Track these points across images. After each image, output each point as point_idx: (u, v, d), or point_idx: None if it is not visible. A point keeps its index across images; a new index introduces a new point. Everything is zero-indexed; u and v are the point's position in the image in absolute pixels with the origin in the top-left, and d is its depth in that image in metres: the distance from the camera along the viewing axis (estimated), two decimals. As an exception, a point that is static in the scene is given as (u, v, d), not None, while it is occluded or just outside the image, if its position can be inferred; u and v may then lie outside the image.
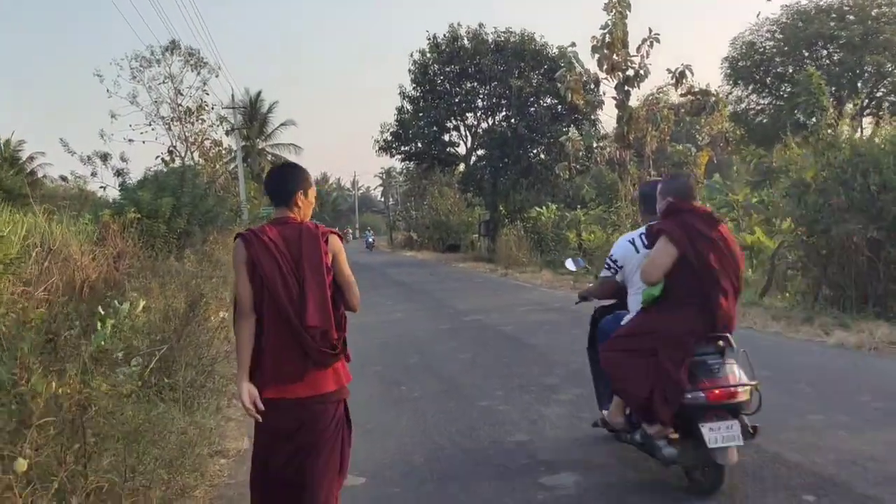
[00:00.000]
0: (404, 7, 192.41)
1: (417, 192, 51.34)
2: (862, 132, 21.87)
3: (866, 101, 35.82)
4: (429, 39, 31.72)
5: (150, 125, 32.78)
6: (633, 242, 4.74)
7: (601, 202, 23.50)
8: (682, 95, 19.62)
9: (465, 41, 31.29)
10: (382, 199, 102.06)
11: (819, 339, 9.19)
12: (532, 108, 30.36)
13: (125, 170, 32.54)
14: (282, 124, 60.75)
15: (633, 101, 19.94)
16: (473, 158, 32.63)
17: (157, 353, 7.40)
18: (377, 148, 33.49)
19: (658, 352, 4.18)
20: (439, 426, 6.04)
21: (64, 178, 51.73)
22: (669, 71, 19.14)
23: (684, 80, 19.15)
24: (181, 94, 33.95)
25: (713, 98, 19.07)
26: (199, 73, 34.11)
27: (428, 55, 31.72)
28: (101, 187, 32.67)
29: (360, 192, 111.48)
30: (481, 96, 31.86)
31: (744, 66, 38.12)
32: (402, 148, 33.24)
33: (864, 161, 11.29)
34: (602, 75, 19.92)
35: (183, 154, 35.13)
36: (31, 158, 53.86)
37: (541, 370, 7.97)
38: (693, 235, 4.23)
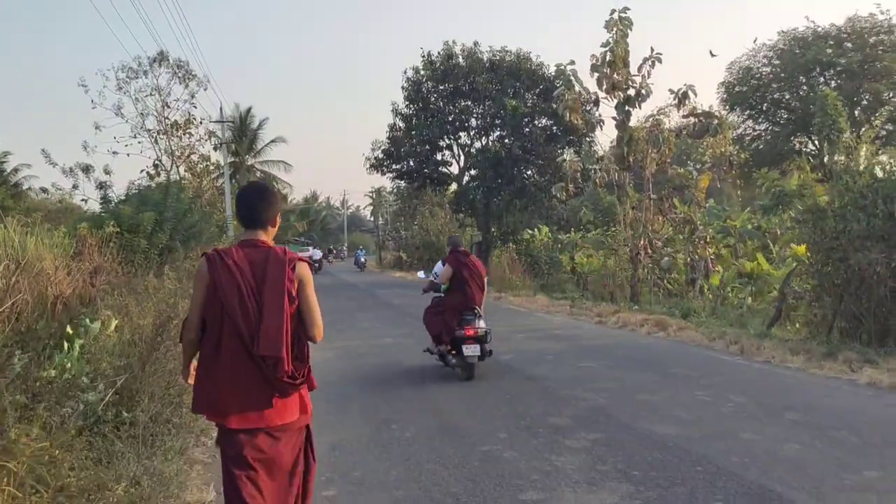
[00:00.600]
0: (399, 24, 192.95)
1: (408, 211, 50.58)
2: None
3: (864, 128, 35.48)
4: (423, 56, 31.14)
5: (136, 137, 32.08)
6: (442, 264, 9.60)
7: (598, 225, 22.81)
8: (684, 117, 19.06)
9: (460, 59, 30.72)
10: (372, 219, 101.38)
11: (847, 376, 8.44)
12: (527, 129, 29.74)
13: (108, 182, 31.79)
14: (272, 141, 60.15)
15: (633, 122, 19.34)
16: (466, 178, 31.93)
17: (117, 383, 6.62)
18: (368, 166, 32.80)
19: (445, 313, 9.13)
20: (436, 477, 5.22)
21: (44, 190, 50.66)
22: (672, 91, 18.58)
23: (687, 101, 18.57)
24: (168, 107, 33.25)
25: (716, 120, 18.49)
26: (186, 86, 33.43)
27: (422, 72, 31.11)
28: (83, 200, 31.83)
29: (350, 210, 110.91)
30: (475, 115, 31.23)
31: (740, 91, 37.82)
32: (394, 166, 32.50)
33: (886, 186, 10.65)
34: (602, 95, 19.32)
35: (168, 168, 34.37)
36: (15, 170, 52.99)
37: (548, 408, 7.17)
38: (459, 262, 9.18)
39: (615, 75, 18.86)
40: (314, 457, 3.52)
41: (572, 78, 19.47)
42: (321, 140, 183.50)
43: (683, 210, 19.59)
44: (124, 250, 19.16)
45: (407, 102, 31.65)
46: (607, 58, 18.76)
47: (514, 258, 29.78)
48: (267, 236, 3.35)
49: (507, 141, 29.65)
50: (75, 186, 32.93)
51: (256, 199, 3.38)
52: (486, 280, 9.50)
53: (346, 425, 6.84)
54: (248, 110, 59.02)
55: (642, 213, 19.05)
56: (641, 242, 18.18)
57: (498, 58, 30.70)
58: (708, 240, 18.64)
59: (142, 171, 29.51)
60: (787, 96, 37.26)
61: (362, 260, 53.24)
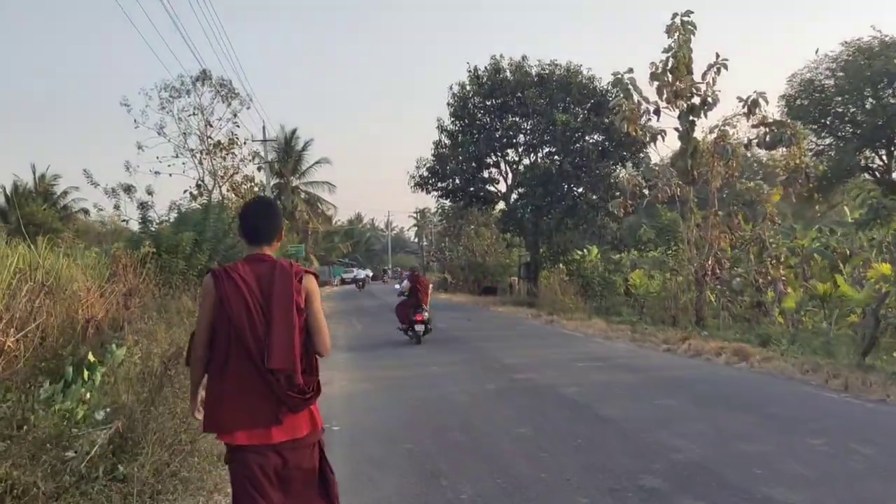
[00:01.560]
0: (444, 42, 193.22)
1: (453, 232, 49.52)
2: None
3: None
4: (469, 71, 30.19)
5: (178, 157, 31.70)
6: (407, 280, 16.75)
7: (658, 244, 21.35)
8: (753, 126, 17.60)
9: (508, 73, 29.68)
10: (416, 240, 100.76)
11: None
12: (577, 144, 28.51)
13: (149, 203, 31.46)
14: (316, 162, 59.95)
15: (697, 133, 17.95)
16: (514, 196, 30.74)
17: (112, 428, 5.57)
18: (412, 184, 31.84)
19: (406, 307, 16.00)
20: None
21: (86, 212, 50.86)
22: (740, 99, 17.18)
23: (757, 110, 17.14)
24: (211, 126, 32.85)
25: (790, 130, 17.01)
26: (229, 105, 33.06)
27: (468, 87, 30.13)
28: (124, 221, 31.42)
29: (394, 232, 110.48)
30: (523, 131, 30.10)
31: (801, 104, 35.94)
32: (439, 184, 31.49)
33: None
34: (662, 104, 17.99)
35: (211, 188, 33.91)
36: (65, 193, 53.52)
37: (632, 461, 5.88)
38: (415, 279, 16.31)
39: (678, 83, 17.55)
40: (332, 469, 3.41)
41: (630, 87, 18.19)
42: (365, 160, 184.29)
43: (748, 227, 18.07)
44: (162, 271, 18.44)
45: (453, 119, 30.70)
46: (669, 64, 17.47)
47: (565, 279, 28.45)
48: (272, 251, 3.32)
49: (556, 157, 28.44)
50: (116, 207, 32.74)
51: (261, 215, 3.36)
52: (430, 289, 16.85)
53: (389, 478, 5.66)
54: (293, 132, 58.92)
55: (707, 231, 17.60)
56: (709, 262, 16.72)
57: (547, 71, 29.60)
58: (782, 259, 17.10)
59: (185, 191, 28.90)
60: (853, 109, 35.28)
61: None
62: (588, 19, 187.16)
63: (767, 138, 17.07)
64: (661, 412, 7.77)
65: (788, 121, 17.37)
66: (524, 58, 30.01)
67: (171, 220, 22.73)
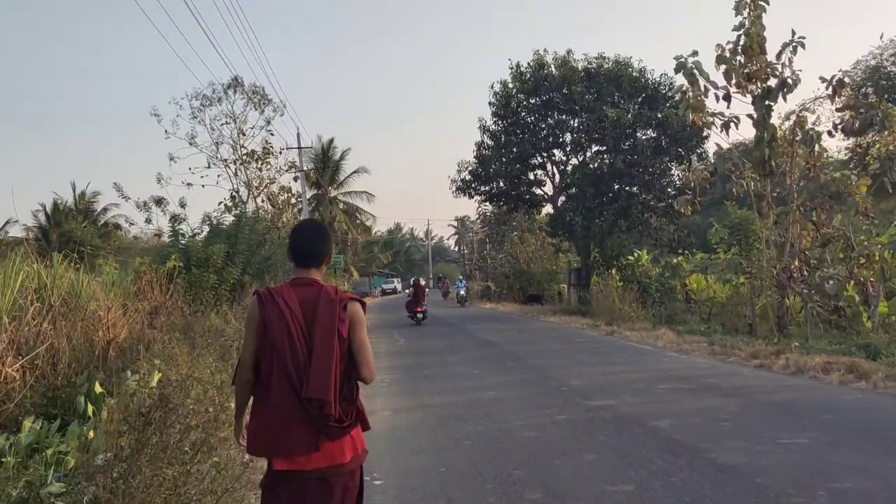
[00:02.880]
0: (484, 42, 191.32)
1: (496, 238, 47.83)
2: None
3: None
4: (511, 68, 28.53)
5: (210, 167, 30.60)
6: (411, 286, 30.04)
7: (731, 244, 19.36)
8: (837, 110, 15.64)
9: (553, 68, 27.95)
10: (456, 248, 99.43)
11: None
12: (629, 141, 26.63)
13: (182, 216, 30.38)
14: (354, 172, 58.92)
15: (773, 119, 16.03)
16: (562, 199, 28.93)
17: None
18: (454, 188, 30.23)
19: (412, 303, 26.70)
20: None
21: (118, 227, 50.40)
22: (823, 79, 15.24)
23: (842, 91, 15.20)
24: (244, 135, 31.71)
25: (881, 112, 15.01)
26: (262, 112, 31.88)
27: (511, 85, 28.47)
28: (157, 235, 30.44)
29: (434, 241, 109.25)
30: (570, 129, 28.31)
31: (866, 93, 33.58)
32: (482, 188, 29.82)
33: None
34: (732, 89, 16.12)
35: (246, 199, 32.76)
36: (105, 210, 53.22)
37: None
38: (417, 286, 27.33)
39: (750, 64, 15.69)
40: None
41: (696, 71, 16.34)
42: (404, 169, 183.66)
43: (835, 223, 16.05)
44: (192, 287, 17.20)
45: (495, 118, 29.06)
46: (741, 43, 15.62)
47: (619, 286, 26.57)
48: (320, 274, 3.26)
49: (606, 156, 26.61)
50: (148, 220, 31.87)
51: (313, 237, 3.31)
52: (426, 292, 27.26)
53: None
54: (331, 141, 57.97)
55: (788, 228, 15.66)
56: (795, 263, 14.78)
57: (594, 65, 27.79)
58: (876, 258, 15.08)
59: (219, 203, 27.65)
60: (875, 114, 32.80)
61: (462, 293, 43.20)
62: (634, 8, 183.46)
63: (856, 123, 15.09)
64: (794, 455, 6.01)
65: (880, 101, 15.40)
66: (569, 52, 28.30)
67: (203, 233, 21.60)
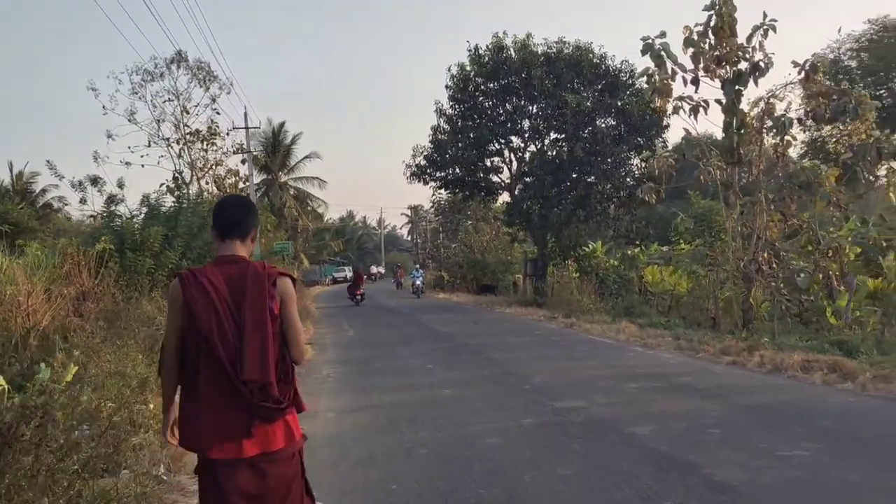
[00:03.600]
0: (441, 28, 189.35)
1: (450, 227, 46.94)
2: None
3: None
4: (469, 51, 27.53)
5: (150, 146, 28.96)
6: (353, 273, 41.93)
7: (695, 235, 18.74)
8: (809, 97, 15.07)
9: (512, 52, 27.05)
10: (409, 238, 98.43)
11: None
12: (587, 129, 25.88)
13: (120, 196, 28.70)
14: (306, 157, 57.42)
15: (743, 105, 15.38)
16: (519, 186, 28.10)
17: None
18: (409, 174, 29.15)
19: (352, 287, 33.34)
20: None
21: (50, 207, 48.17)
22: (796, 64, 14.66)
23: (816, 77, 14.64)
24: (188, 113, 30.12)
25: (854, 99, 14.49)
26: (207, 89, 30.32)
27: (469, 68, 27.50)
28: (92, 216, 28.73)
29: (387, 230, 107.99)
30: (529, 115, 27.46)
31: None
32: (438, 174, 28.82)
33: None
34: (700, 73, 15.44)
35: (189, 181, 31.20)
36: (43, 191, 50.80)
37: None
38: (357, 274, 35.21)
39: (720, 46, 15.01)
40: (309, 493, 3.19)
41: (664, 53, 15.61)
42: (356, 156, 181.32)
43: (806, 214, 15.52)
44: (127, 272, 15.96)
45: (452, 103, 28.07)
46: (711, 24, 14.93)
47: (575, 277, 25.96)
48: (245, 250, 3.08)
49: (563, 145, 25.86)
50: (83, 201, 30.08)
51: (239, 207, 3.16)
52: (364, 279, 34.82)
53: None
54: (282, 125, 56.30)
55: (755, 218, 15.08)
56: (765, 255, 14.19)
57: (554, 50, 26.97)
58: (846, 250, 14.59)
59: (161, 184, 26.19)
60: (881, 91, 32.88)
61: (419, 283, 38.74)
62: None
63: (827, 111, 14.54)
64: (802, 472, 5.21)
65: (853, 88, 14.89)
66: (529, 35, 27.40)
67: (142, 215, 20.24)
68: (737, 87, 14.94)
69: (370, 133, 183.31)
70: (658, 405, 7.77)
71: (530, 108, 27.35)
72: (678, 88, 15.88)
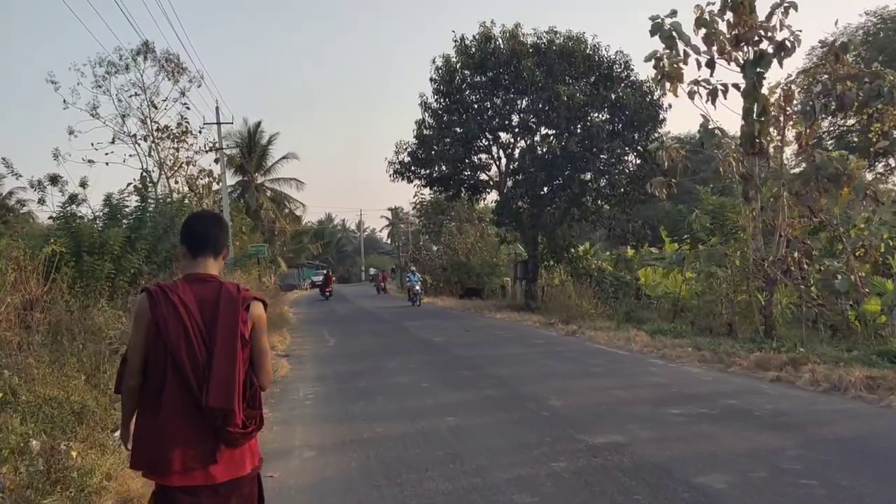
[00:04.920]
0: (422, 22, 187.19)
1: (432, 229, 45.34)
2: None
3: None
4: (455, 41, 26.01)
5: (115, 142, 27.09)
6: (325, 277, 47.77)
7: (713, 233, 17.25)
8: (836, 80, 13.71)
9: (500, 42, 25.57)
10: (388, 241, 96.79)
11: None
12: (579, 124, 24.37)
13: (81, 196, 26.85)
14: (283, 157, 55.63)
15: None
16: (509, 184, 26.55)
17: None
18: (391, 171, 27.52)
19: (323, 287, 44.56)
20: None
21: (12, 211, 45.99)
22: (824, 43, 13.31)
23: (844, 58, 13.28)
24: (155, 108, 28.26)
25: (887, 82, 13.15)
26: (176, 82, 28.50)
27: (455, 59, 25.97)
28: (51, 218, 26.78)
29: (366, 233, 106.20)
30: (518, 110, 25.96)
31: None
32: (422, 171, 27.21)
33: None
34: (716, 55, 14.03)
35: (157, 180, 29.34)
36: (10, 193, 48.63)
37: None
38: (327, 277, 46.12)
39: (740, 26, 13.61)
40: None
41: (674, 33, 14.17)
42: (334, 158, 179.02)
43: (834, 209, 14.14)
44: (84, 277, 14.28)
45: (437, 96, 26.50)
46: (729, 2, 13.52)
47: (568, 280, 24.55)
48: (217, 268, 2.97)
49: (559, 139, 24.33)
50: (41, 201, 28.26)
51: (213, 224, 3.02)
52: (333, 279, 48.20)
53: None
54: (258, 125, 54.41)
55: (778, 214, 13.68)
56: (794, 255, 12.77)
57: (545, 40, 25.53)
58: (881, 250, 13.22)
59: (129, 184, 24.33)
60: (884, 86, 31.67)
61: (417, 288, 32.35)
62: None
63: (859, 94, 13.18)
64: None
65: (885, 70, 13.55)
66: (518, 25, 25.95)
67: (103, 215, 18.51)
68: (758, 69, 13.53)
69: (349, 134, 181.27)
70: (718, 441, 6.25)
71: (520, 101, 25.86)
72: (689, 73, 14.51)
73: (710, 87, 13.77)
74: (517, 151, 26.68)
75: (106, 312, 11.92)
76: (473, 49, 25.79)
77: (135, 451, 2.84)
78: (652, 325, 16.70)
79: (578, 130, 24.44)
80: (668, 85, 14.73)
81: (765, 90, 14.00)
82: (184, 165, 30.76)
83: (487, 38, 25.65)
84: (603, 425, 7.01)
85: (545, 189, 24.74)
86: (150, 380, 2.80)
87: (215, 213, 3.58)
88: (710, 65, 14.16)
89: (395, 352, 14.36)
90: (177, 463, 2.71)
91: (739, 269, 14.52)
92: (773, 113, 14.04)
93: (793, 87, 14.65)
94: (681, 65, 14.47)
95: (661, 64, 14.66)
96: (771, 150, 14.39)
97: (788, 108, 14.15)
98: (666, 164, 15.02)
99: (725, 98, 13.64)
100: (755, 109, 13.56)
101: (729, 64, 14.29)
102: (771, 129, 14.04)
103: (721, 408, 7.65)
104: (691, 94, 13.94)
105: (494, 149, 27.44)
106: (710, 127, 13.65)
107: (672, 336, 14.53)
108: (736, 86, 14.00)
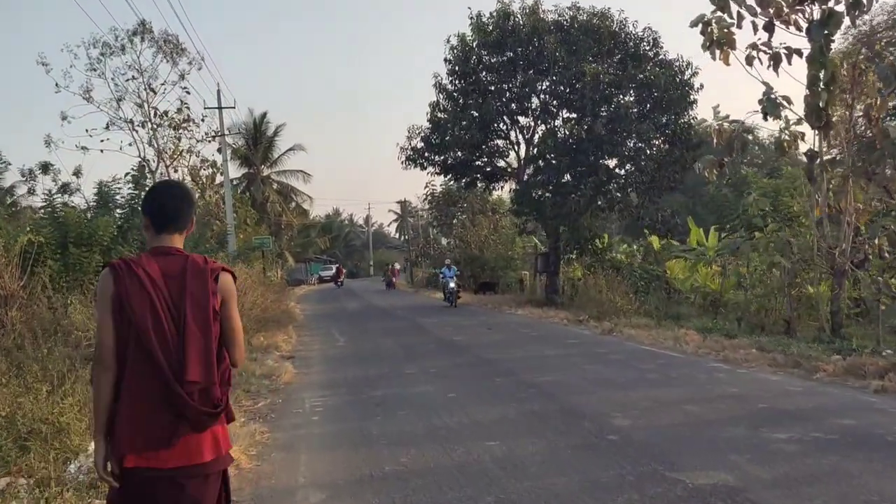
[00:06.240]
0: (430, 16, 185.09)
1: (444, 221, 43.71)
2: None
3: None
4: (472, 18, 24.35)
5: (109, 128, 25.50)
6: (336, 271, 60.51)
7: (772, 219, 15.55)
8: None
9: (520, 18, 23.90)
10: (397, 235, 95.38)
11: None
12: (606, 105, 22.66)
13: (75, 185, 25.40)
14: (289, 149, 54.10)
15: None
16: (529, 171, 24.86)
17: None
18: (403, 158, 25.84)
19: (335, 279, 57.26)
20: None
21: (15, 205, 44.73)
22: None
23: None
24: (154, 93, 26.67)
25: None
26: (176, 64, 26.90)
27: (470, 37, 24.32)
28: (42, 208, 25.26)
29: (374, 227, 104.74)
30: (539, 91, 24.26)
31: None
32: (437, 158, 25.55)
33: None
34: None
35: (156, 169, 27.74)
36: (13, 187, 47.36)
37: None
38: (338, 270, 60.63)
39: (804, -20, 11.93)
40: None
41: (729, -7, 12.48)
42: (342, 151, 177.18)
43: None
44: (71, 271, 12.90)
45: (452, 78, 24.85)
46: (792, -48, 11.84)
47: (590, 272, 22.95)
48: (181, 243, 2.82)
49: (585, 120, 22.63)
50: (31, 191, 26.71)
51: (179, 198, 2.84)
52: (344, 272, 61.06)
53: None
54: (263, 115, 52.90)
55: (846, 196, 12.03)
56: (875, 242, 11.13)
57: (567, 17, 23.86)
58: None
59: (126, 173, 22.70)
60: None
61: (452, 285, 26.48)
62: None
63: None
64: None
65: None
66: (538, 1, 24.25)
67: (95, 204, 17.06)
68: (826, 31, 11.85)
69: (357, 126, 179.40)
70: (862, 483, 4.65)
71: (541, 82, 24.17)
72: (741, 39, 12.84)
73: (773, 52, 12.08)
74: (537, 136, 25.01)
75: (82, 310, 10.44)
76: (491, 26, 24.14)
77: (117, 437, 2.62)
78: (695, 322, 15.11)
79: (603, 113, 22.77)
80: (717, 53, 13.08)
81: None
82: (184, 154, 29.14)
83: (506, 14, 23.98)
84: (695, 456, 5.42)
85: (567, 176, 23.10)
86: (119, 360, 2.65)
87: (182, 184, 3.24)
88: (769, 28, 12.46)
89: (413, 353, 12.80)
90: (132, 442, 2.58)
91: (800, 259, 12.88)
92: (846, 78, 12.38)
93: (864, 51, 13.00)
94: (732, 29, 12.82)
95: (710, 29, 13.00)
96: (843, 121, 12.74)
97: (862, 76, 12.45)
98: (715, 142, 13.36)
99: (790, 63, 11.97)
100: (823, 77, 11.88)
101: (788, 28, 12.64)
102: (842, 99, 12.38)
103: (837, 431, 6.04)
104: (749, 60, 12.24)
105: (513, 134, 25.78)
106: (773, 98, 11.95)
107: (721, 334, 12.95)
108: (797, 51, 12.34)
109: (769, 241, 13.27)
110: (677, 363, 10.30)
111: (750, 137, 13.28)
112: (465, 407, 7.78)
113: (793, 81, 12.44)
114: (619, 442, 6.01)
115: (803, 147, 12.66)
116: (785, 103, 11.97)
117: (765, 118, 11.95)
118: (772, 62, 12.00)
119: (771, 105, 11.91)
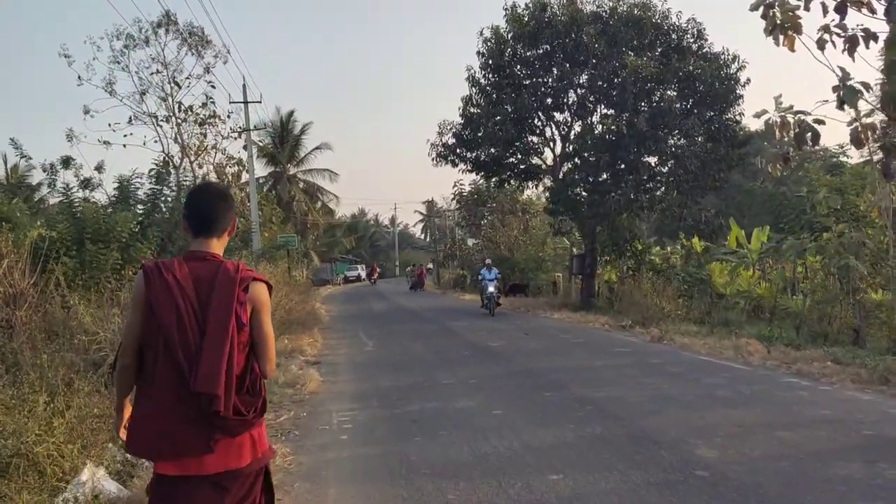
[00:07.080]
0: (460, 12, 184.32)
1: (472, 221, 42.73)
2: None
3: None
4: (506, 9, 23.34)
5: (132, 122, 24.84)
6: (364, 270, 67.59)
7: (838, 219, 14.38)
8: None
9: (556, 9, 22.85)
10: (422, 236, 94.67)
11: None
12: (644, 102, 21.53)
13: (97, 180, 24.67)
14: (316, 148, 53.54)
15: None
16: (565, 168, 23.78)
17: None
18: (434, 155, 24.85)
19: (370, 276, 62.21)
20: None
21: (43, 202, 44.37)
22: None
23: None
24: (177, 86, 25.97)
25: None
26: (201, 57, 26.21)
27: (505, 29, 23.31)
28: (59, 202, 24.65)
29: (399, 227, 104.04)
30: (577, 86, 23.17)
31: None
32: (469, 154, 24.53)
33: None
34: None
35: (180, 164, 27.03)
36: (40, 184, 47.27)
37: None
38: (373, 268, 65.27)
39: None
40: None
41: (795, -29, 11.39)
42: (368, 151, 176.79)
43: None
44: (86, 268, 12.14)
45: (485, 72, 23.86)
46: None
47: (631, 275, 21.86)
48: (219, 248, 2.81)
49: (625, 115, 21.52)
50: (51, 185, 26.14)
51: (217, 199, 2.84)
52: (378, 271, 64.34)
53: None
54: (290, 114, 52.38)
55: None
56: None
57: (608, 7, 22.78)
58: None
59: (151, 169, 22.00)
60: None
61: (491, 290, 22.35)
62: None
63: None
64: None
65: None
66: (576, -9, 23.17)
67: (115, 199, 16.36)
68: (910, 10, 10.71)
69: (383, 126, 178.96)
70: None
71: (577, 77, 23.10)
72: (811, 21, 11.72)
73: (848, 34, 10.96)
74: (573, 133, 23.94)
75: (92, 311, 9.62)
76: (526, 17, 23.12)
77: (130, 436, 2.67)
78: (749, 329, 14.00)
79: (644, 108, 21.64)
80: (781, 38, 11.98)
81: None
82: (209, 151, 28.41)
83: (542, 5, 22.93)
84: (815, 503, 4.39)
85: (605, 174, 22.02)
86: (146, 361, 2.66)
87: (220, 186, 3.11)
88: (841, 9, 11.33)
89: (448, 361, 11.84)
90: (169, 450, 2.56)
91: (871, 263, 11.73)
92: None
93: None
94: (797, 12, 11.72)
95: (772, 12, 11.89)
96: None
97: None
98: (777, 134, 12.24)
99: (867, 47, 10.83)
100: (905, 61, 10.74)
101: (860, 9, 11.51)
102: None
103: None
104: (821, 44, 11.11)
105: (549, 130, 24.71)
106: (851, 84, 10.84)
107: (783, 344, 11.85)
108: (874, 35, 11.22)
109: (840, 243, 12.14)
110: (746, 377, 9.22)
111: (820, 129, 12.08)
112: (515, 428, 6.80)
113: (860, 69, 11.28)
114: (711, 479, 4.99)
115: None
116: (864, 90, 10.84)
117: (840, 107, 10.80)
118: (847, 45, 10.89)
119: (849, 92, 10.74)
